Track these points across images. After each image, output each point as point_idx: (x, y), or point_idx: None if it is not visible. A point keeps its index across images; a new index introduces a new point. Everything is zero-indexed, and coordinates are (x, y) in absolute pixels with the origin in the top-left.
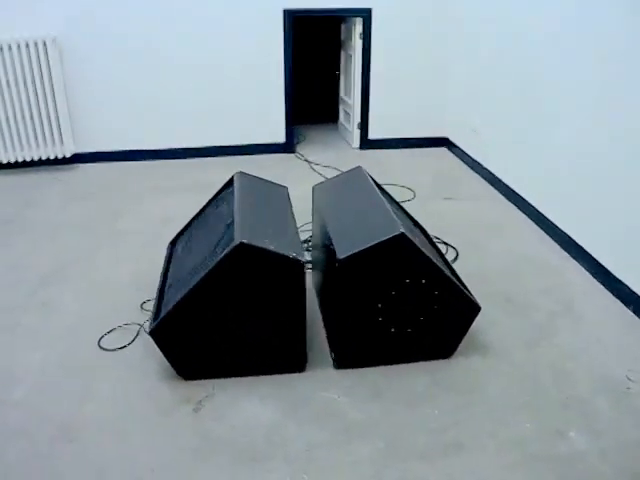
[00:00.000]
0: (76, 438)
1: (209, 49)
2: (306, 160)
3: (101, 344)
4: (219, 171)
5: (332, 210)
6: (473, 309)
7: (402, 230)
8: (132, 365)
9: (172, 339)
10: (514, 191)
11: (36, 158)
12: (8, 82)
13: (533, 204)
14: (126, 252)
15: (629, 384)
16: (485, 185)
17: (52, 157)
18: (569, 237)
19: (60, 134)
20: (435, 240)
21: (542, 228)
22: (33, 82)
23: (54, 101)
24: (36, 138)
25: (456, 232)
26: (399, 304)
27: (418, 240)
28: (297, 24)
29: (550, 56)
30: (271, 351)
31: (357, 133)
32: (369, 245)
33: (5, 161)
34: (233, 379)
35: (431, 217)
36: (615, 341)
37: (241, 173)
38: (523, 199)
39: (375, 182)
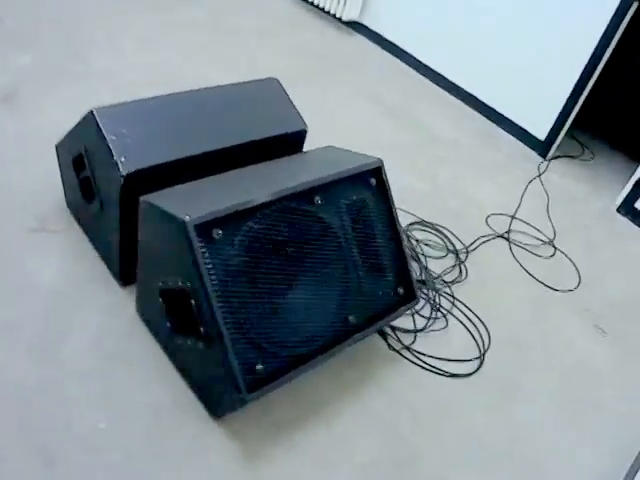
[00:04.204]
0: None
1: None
2: (539, 174)
3: None
4: (447, 121)
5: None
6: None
7: (187, 218)
8: None
9: None
10: None
11: (326, 8)
12: None
13: None
14: None
15: None
16: None
17: (334, 13)
18: None
19: None
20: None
21: None
22: None
23: None
24: None
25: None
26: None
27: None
28: None
29: None
30: None
31: (627, 190)
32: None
33: None
34: None
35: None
36: None
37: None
38: None
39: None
